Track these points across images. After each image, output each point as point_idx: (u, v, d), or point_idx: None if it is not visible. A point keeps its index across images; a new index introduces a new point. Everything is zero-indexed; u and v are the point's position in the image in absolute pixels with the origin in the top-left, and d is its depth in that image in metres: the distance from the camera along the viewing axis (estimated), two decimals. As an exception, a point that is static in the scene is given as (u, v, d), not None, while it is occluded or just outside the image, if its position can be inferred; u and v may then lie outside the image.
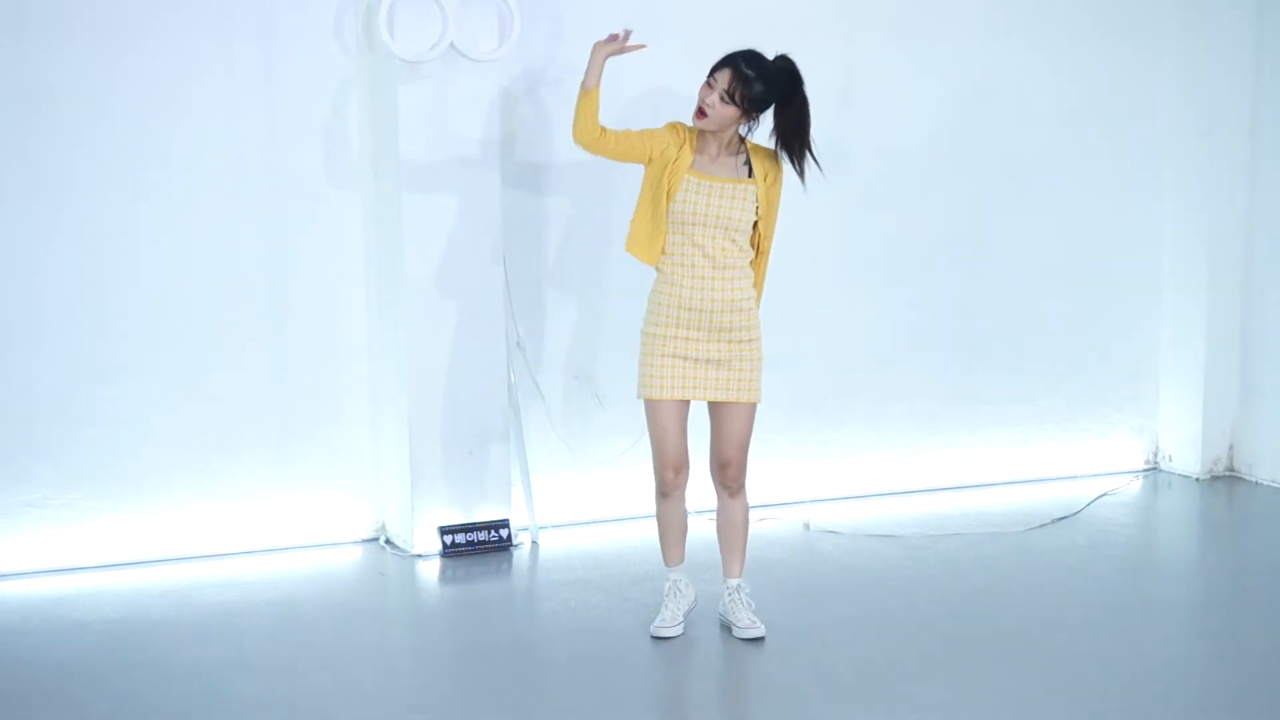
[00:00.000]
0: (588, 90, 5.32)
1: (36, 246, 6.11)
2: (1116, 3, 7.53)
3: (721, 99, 5.19)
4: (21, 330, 6.12)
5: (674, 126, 5.35)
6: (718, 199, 5.25)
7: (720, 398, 5.31)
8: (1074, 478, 7.66)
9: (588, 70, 5.34)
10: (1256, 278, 7.59)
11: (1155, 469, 7.89)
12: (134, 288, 6.24)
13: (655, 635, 5.36)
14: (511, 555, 6.50)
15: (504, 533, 6.55)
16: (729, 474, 5.40)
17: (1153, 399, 7.85)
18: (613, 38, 5.42)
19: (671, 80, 6.70)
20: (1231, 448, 7.73)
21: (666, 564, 5.50)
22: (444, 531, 6.45)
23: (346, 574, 6.34)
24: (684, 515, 5.48)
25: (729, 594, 5.46)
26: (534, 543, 6.64)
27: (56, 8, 6.01)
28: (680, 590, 5.47)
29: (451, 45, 6.24)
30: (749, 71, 5.20)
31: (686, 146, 5.30)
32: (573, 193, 6.77)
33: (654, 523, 5.52)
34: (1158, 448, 7.89)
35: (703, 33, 6.85)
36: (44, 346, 6.15)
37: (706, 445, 5.46)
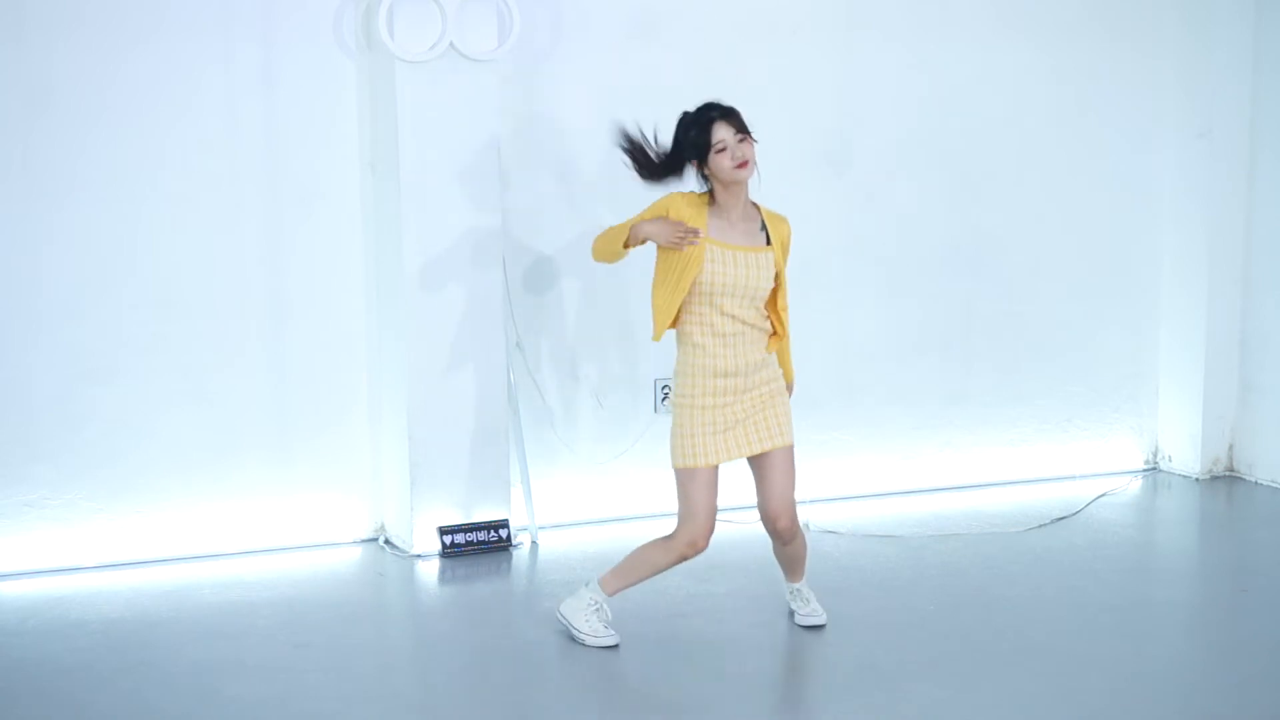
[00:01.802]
0: (624, 244, 5.23)
1: (35, 247, 6.11)
2: (1116, 3, 7.52)
3: (740, 140, 5.10)
4: (20, 331, 6.12)
5: (681, 196, 5.22)
6: (743, 268, 5.14)
7: (757, 449, 5.23)
8: (1073, 478, 7.66)
9: (635, 230, 5.18)
10: (1256, 278, 7.59)
11: (1155, 469, 7.89)
12: (133, 288, 6.24)
13: (601, 645, 5.29)
14: (511, 555, 6.50)
15: (503, 533, 6.55)
16: (781, 527, 5.31)
17: (1152, 399, 7.85)
18: (676, 235, 5.10)
19: (671, 79, 6.72)
20: (1231, 448, 7.73)
21: (609, 591, 5.37)
22: (443, 531, 6.45)
23: (346, 574, 6.34)
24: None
25: (792, 594, 5.55)
26: (533, 543, 6.64)
27: (56, 8, 6.01)
28: (604, 616, 5.36)
29: (451, 45, 6.24)
30: (729, 108, 5.17)
31: (700, 215, 5.15)
32: (572, 192, 6.76)
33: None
34: (1157, 448, 7.89)
35: (704, 32, 6.86)
36: (43, 347, 6.15)
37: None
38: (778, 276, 5.23)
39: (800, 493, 6.60)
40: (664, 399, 6.96)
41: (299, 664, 5.26)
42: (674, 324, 5.24)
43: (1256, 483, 7.60)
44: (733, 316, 5.15)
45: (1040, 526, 6.84)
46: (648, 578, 5.38)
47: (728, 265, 5.13)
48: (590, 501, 6.90)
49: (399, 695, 5.04)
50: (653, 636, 5.48)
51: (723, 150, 5.10)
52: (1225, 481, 7.66)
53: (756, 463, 5.29)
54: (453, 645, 5.56)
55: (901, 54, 7.17)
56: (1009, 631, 5.52)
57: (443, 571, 6.32)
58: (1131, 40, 7.55)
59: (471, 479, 6.51)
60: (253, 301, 6.42)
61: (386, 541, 6.62)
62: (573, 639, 5.34)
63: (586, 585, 5.40)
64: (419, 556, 6.43)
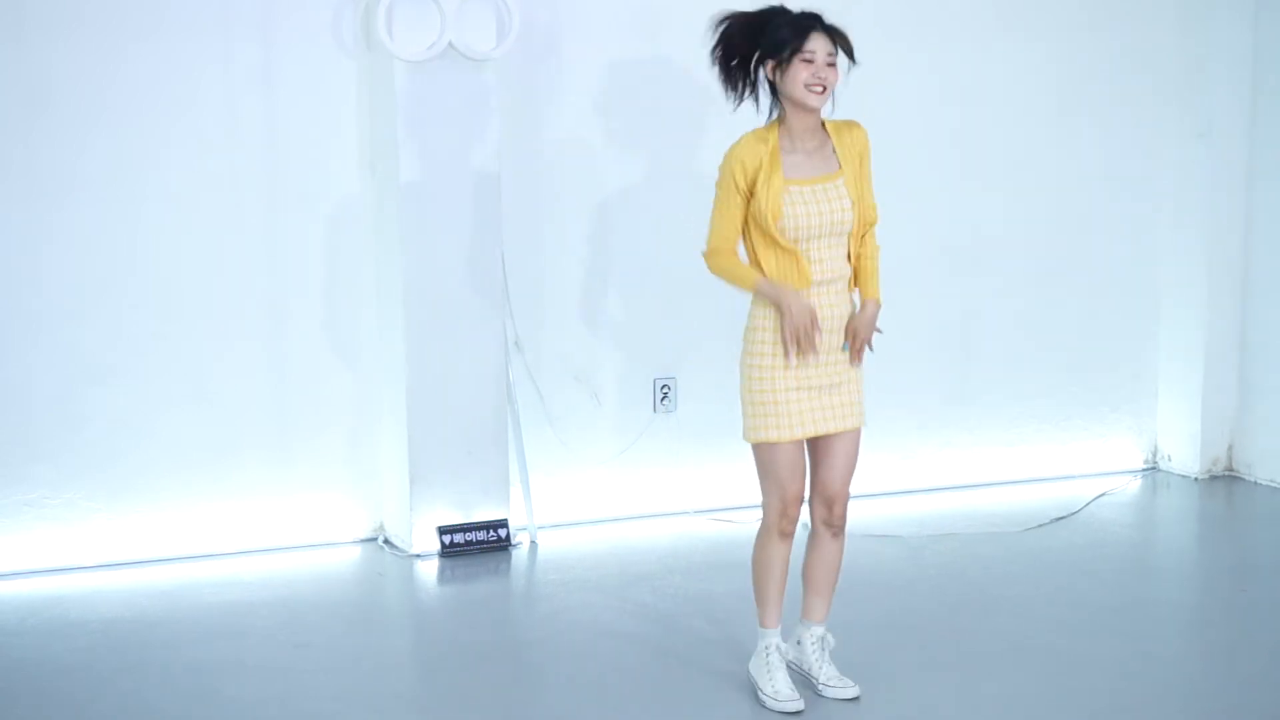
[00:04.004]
0: (754, 280, 4.71)
1: (34, 247, 6.11)
2: (1111, 15, 7.52)
3: (829, 62, 4.60)
4: (20, 331, 6.12)
5: (744, 145, 4.69)
6: (824, 203, 4.65)
7: (834, 428, 4.78)
8: (1072, 478, 7.65)
9: (762, 289, 4.69)
10: (1255, 277, 7.58)
11: (1154, 469, 7.88)
12: (133, 288, 6.24)
13: (783, 711, 4.77)
14: (510, 555, 6.50)
15: (502, 532, 6.55)
16: (836, 511, 4.88)
17: (1151, 398, 7.85)
18: (798, 333, 4.66)
19: (671, 79, 6.73)
20: (1230, 447, 7.72)
21: (765, 624, 4.88)
22: (442, 531, 6.45)
23: (345, 574, 6.34)
24: (789, 562, 4.89)
25: (813, 643, 4.97)
26: (532, 542, 6.64)
27: (56, 7, 6.01)
28: (786, 654, 4.91)
29: (450, 45, 6.23)
30: (834, 27, 4.66)
31: (773, 153, 4.66)
32: (571, 192, 6.76)
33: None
34: (1156, 447, 7.89)
35: (704, 33, 6.85)
36: (42, 347, 6.15)
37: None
38: (854, 193, 4.70)
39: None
40: (663, 398, 6.96)
41: (299, 664, 5.26)
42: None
43: (1256, 483, 7.60)
44: (820, 262, 4.68)
45: (1039, 526, 6.84)
46: (776, 578, 4.85)
47: (809, 203, 4.64)
48: (590, 501, 6.90)
49: (398, 695, 5.04)
50: (652, 637, 5.49)
51: (810, 61, 4.58)
52: (1225, 481, 7.66)
53: (825, 440, 4.83)
54: (452, 645, 5.56)
55: (901, 54, 7.14)
56: (1008, 631, 5.52)
57: (442, 571, 6.32)
58: (1131, 40, 7.54)
59: (471, 479, 6.51)
60: (253, 301, 6.41)
61: (386, 541, 6.62)
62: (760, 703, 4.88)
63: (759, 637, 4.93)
64: (418, 556, 6.43)
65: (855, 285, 4.84)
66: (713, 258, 4.79)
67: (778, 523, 4.81)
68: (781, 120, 4.71)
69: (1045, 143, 7.49)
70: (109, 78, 6.11)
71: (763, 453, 4.79)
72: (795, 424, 4.73)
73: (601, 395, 6.90)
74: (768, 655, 4.88)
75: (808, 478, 4.88)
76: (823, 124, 4.75)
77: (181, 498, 6.38)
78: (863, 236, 4.81)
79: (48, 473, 6.19)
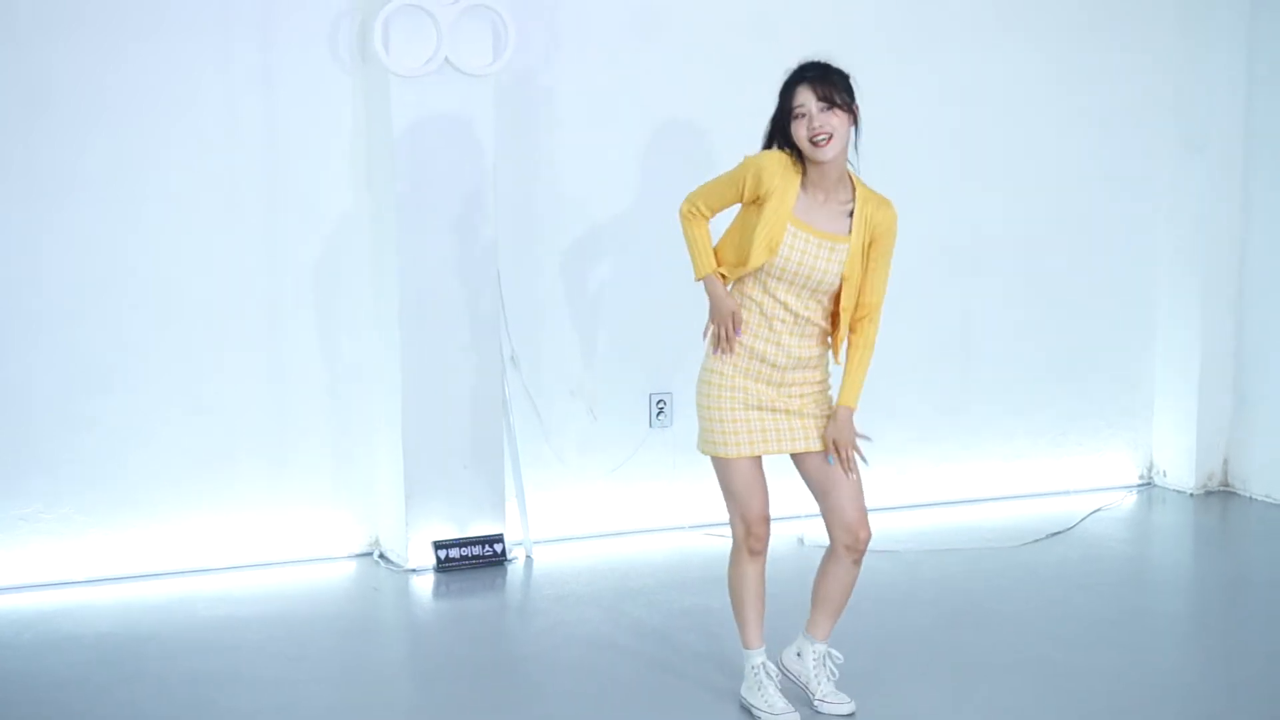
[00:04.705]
0: (703, 273, 4.75)
1: (31, 256, 6.10)
2: (1111, 17, 7.54)
3: (824, 109, 4.54)
4: (15, 342, 6.11)
5: (777, 157, 4.63)
6: (812, 256, 4.60)
7: (792, 448, 4.75)
8: (1068, 493, 7.66)
9: (703, 278, 4.76)
10: (1250, 292, 7.60)
11: (1149, 484, 7.89)
12: (128, 300, 6.24)
13: None
14: (506, 570, 6.49)
15: (498, 547, 6.54)
16: (862, 537, 4.79)
17: (1147, 414, 7.86)
18: (721, 329, 4.71)
19: (668, 93, 6.74)
20: (1226, 462, 7.73)
21: (748, 645, 4.88)
22: (438, 546, 6.44)
23: (340, 588, 6.33)
24: (764, 580, 4.88)
25: (815, 659, 4.94)
26: (528, 557, 6.63)
27: (55, 7, 6.00)
28: (772, 672, 4.88)
29: (446, 60, 6.24)
30: (828, 71, 4.59)
31: (791, 184, 4.60)
32: (567, 206, 6.77)
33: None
34: (1152, 463, 7.90)
35: (701, 45, 6.87)
36: (38, 358, 6.14)
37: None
38: (851, 272, 4.63)
39: (794, 507, 6.63)
40: (658, 413, 6.97)
41: (294, 677, 5.25)
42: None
43: (1251, 498, 7.60)
44: (783, 304, 4.65)
45: (1035, 541, 6.84)
46: (752, 599, 4.85)
47: (795, 250, 4.58)
48: (586, 516, 6.90)
49: (394, 709, 5.04)
50: (647, 652, 5.48)
51: (801, 117, 4.55)
52: (1220, 496, 7.66)
53: (817, 475, 4.79)
54: (447, 660, 5.55)
55: (895, 63, 7.15)
56: (1004, 645, 5.52)
57: (437, 586, 6.31)
58: (1130, 54, 7.56)
59: (466, 493, 6.51)
60: (249, 314, 6.41)
61: (381, 556, 6.62)
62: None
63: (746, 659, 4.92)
64: (414, 571, 6.43)
65: (837, 359, 4.80)
66: (688, 219, 4.80)
67: (745, 541, 4.79)
68: (804, 164, 4.66)
69: (1040, 155, 7.51)
70: (108, 78, 6.10)
71: (718, 468, 4.78)
72: (744, 441, 4.71)
73: (597, 410, 6.90)
74: (755, 675, 4.88)
75: (813, 501, 4.88)
76: (854, 185, 4.69)
77: (176, 512, 6.37)
78: (860, 321, 4.73)
79: (43, 487, 6.18)
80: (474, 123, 6.36)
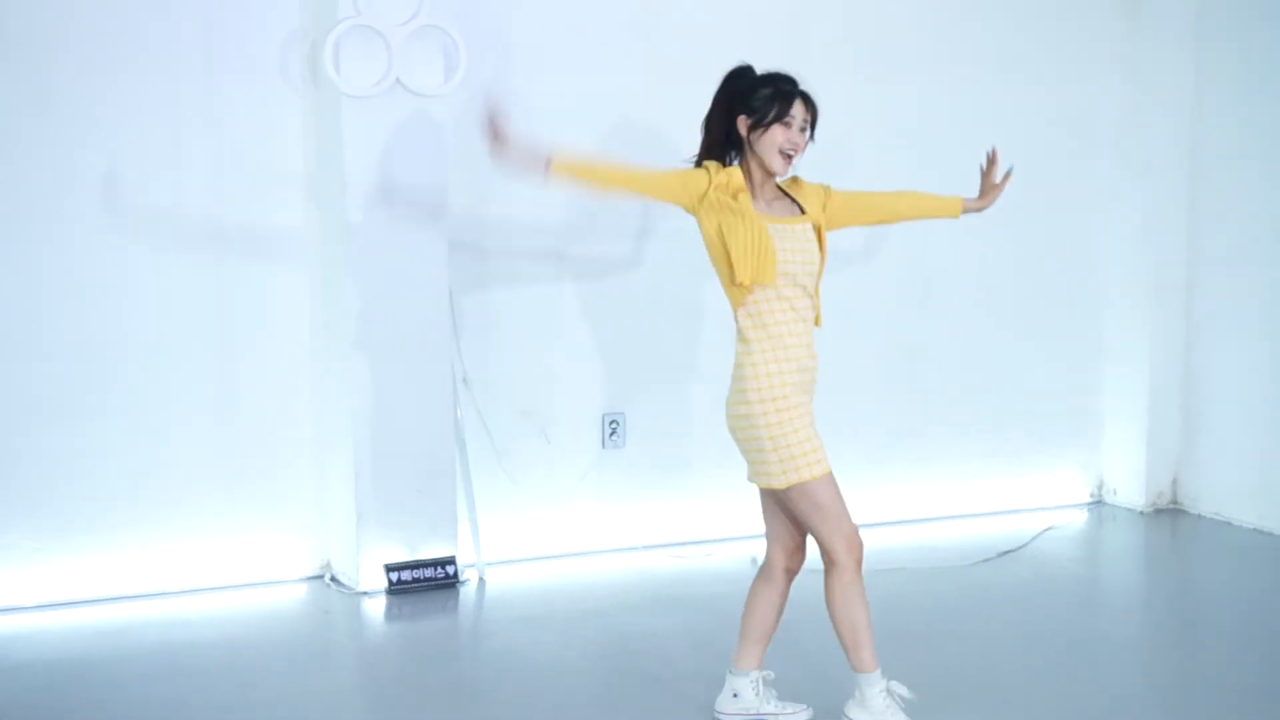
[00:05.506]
0: (551, 164, 4.66)
1: (-22, 282, 6.05)
2: (1057, 45, 7.60)
3: (802, 129, 4.66)
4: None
5: (717, 168, 4.66)
6: (798, 241, 4.65)
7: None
8: (1019, 511, 7.70)
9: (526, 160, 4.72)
10: (1198, 313, 7.66)
11: (1100, 502, 7.94)
12: (76, 326, 6.18)
13: None
14: (458, 592, 6.47)
15: (450, 569, 6.52)
16: (799, 563, 4.97)
17: (1097, 433, 7.91)
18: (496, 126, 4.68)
19: (622, 112, 6.74)
20: (1175, 481, 7.79)
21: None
22: (390, 569, 6.41)
23: (291, 612, 6.29)
24: None
25: (765, 684, 4.98)
26: (480, 579, 6.61)
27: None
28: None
29: (397, 80, 6.23)
30: (807, 93, 4.69)
31: (742, 192, 4.62)
32: (519, 227, 6.76)
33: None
34: (1102, 481, 7.95)
35: (655, 67, 6.88)
36: (-15, 383, 6.09)
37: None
38: (823, 246, 4.70)
39: (746, 527, 6.64)
40: (611, 434, 6.96)
41: (245, 702, 5.21)
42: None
43: (1200, 516, 7.65)
44: (792, 305, 4.63)
45: (986, 560, 6.87)
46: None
47: (786, 242, 4.60)
48: (538, 538, 6.89)
49: (345, 734, 5.01)
50: (600, 674, 5.47)
51: (788, 125, 4.61)
52: (1169, 514, 7.72)
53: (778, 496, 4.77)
54: (399, 683, 5.52)
55: (852, 89, 7.17)
56: (956, 665, 5.53)
57: (389, 609, 6.28)
58: (1073, 82, 7.63)
59: (418, 516, 6.48)
60: (198, 339, 6.36)
61: (333, 579, 6.58)
62: None
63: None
64: (365, 594, 6.39)
65: (939, 209, 5.34)
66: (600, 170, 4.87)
67: (850, 554, 4.76)
68: (745, 171, 4.69)
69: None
70: (47, 117, 6.05)
71: (808, 492, 4.64)
72: (824, 455, 4.64)
73: (550, 431, 6.88)
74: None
75: (788, 526, 4.88)
76: (773, 186, 4.76)
77: (126, 536, 6.31)
78: (874, 203, 5.05)
79: (-11, 512, 6.13)
80: (425, 143, 6.35)
